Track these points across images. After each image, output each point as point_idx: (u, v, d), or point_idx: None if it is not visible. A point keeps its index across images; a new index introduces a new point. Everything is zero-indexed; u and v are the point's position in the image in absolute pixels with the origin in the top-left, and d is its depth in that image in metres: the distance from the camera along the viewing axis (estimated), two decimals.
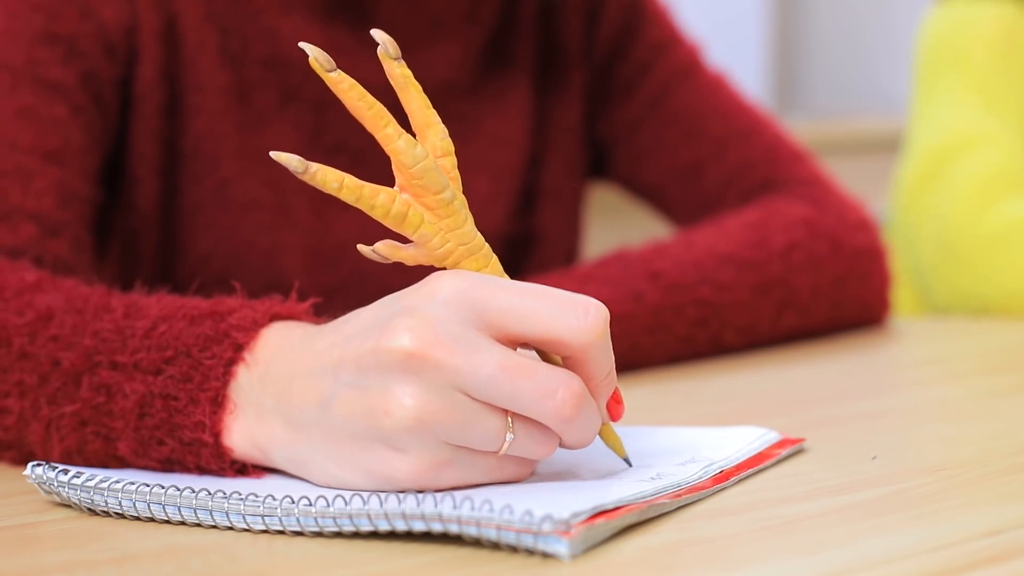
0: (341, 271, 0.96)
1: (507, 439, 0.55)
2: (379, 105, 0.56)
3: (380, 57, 0.56)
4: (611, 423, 0.61)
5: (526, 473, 0.58)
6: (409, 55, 0.94)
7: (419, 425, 0.54)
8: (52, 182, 0.84)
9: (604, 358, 0.57)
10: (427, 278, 0.57)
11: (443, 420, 0.54)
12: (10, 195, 0.82)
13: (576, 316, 0.55)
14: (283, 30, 0.94)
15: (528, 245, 1.06)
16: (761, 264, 0.96)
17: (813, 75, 3.10)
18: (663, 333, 0.91)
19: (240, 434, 0.60)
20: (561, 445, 0.58)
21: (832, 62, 3.07)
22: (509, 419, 0.55)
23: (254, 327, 0.61)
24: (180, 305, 0.64)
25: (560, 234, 1.07)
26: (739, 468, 0.62)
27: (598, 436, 0.60)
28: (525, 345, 0.57)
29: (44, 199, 0.83)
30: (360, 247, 0.57)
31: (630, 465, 0.61)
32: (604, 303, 0.86)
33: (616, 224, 1.53)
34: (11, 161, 0.83)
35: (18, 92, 0.85)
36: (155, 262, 0.94)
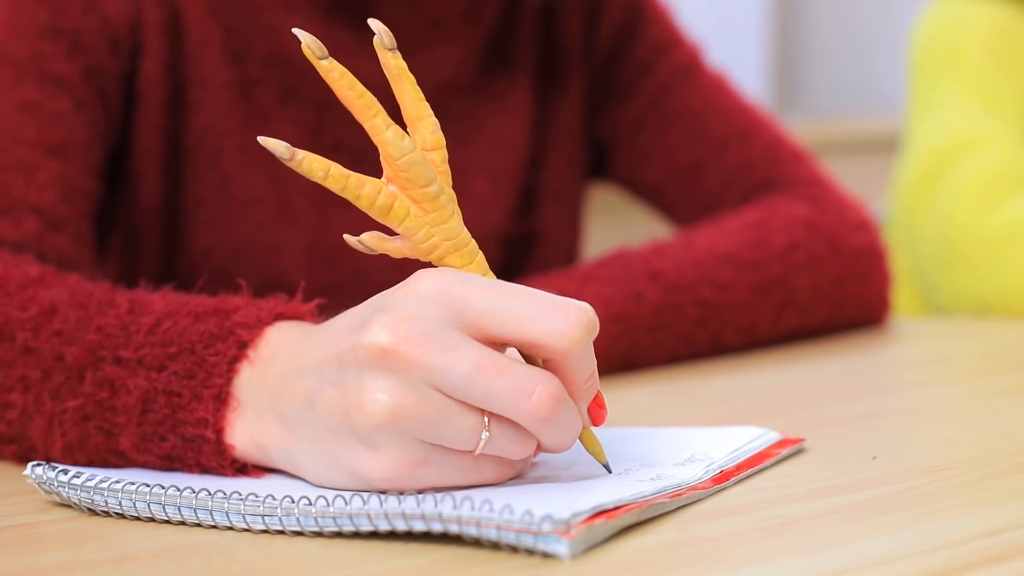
0: (341, 269, 0.96)
1: (483, 438, 0.55)
2: (369, 95, 0.56)
3: (376, 47, 0.56)
4: (592, 428, 0.60)
5: (506, 475, 0.58)
6: (410, 55, 0.94)
7: (393, 421, 0.54)
8: (55, 176, 0.84)
9: (585, 362, 0.56)
10: (411, 276, 0.56)
11: (417, 416, 0.54)
12: (13, 189, 0.82)
13: (556, 319, 0.55)
14: (284, 28, 0.94)
15: (528, 245, 1.06)
16: (761, 264, 0.96)
17: (813, 75, 3.10)
18: (663, 333, 0.91)
19: (242, 432, 0.60)
20: (541, 449, 0.57)
21: (832, 62, 3.07)
22: (485, 418, 0.55)
23: (259, 325, 0.61)
24: (185, 302, 0.64)
25: (560, 234, 1.07)
26: (739, 468, 0.62)
27: (579, 440, 0.60)
28: (508, 346, 0.57)
29: (47, 193, 0.83)
30: (346, 237, 0.57)
31: (610, 472, 0.60)
32: (605, 303, 0.87)
33: (616, 224, 1.53)
34: (14, 155, 0.83)
35: (22, 86, 0.85)
36: (157, 257, 0.94)
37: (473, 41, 1.01)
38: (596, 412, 0.58)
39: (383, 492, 0.55)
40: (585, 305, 0.56)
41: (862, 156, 2.30)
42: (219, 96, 0.93)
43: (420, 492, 0.55)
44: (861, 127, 2.60)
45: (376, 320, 0.55)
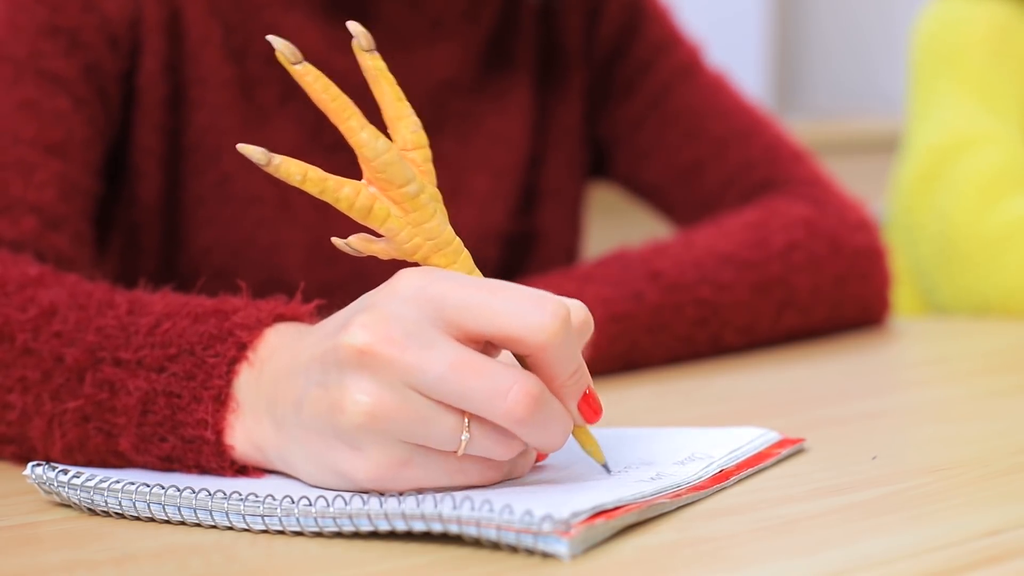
0: (341, 268, 0.96)
1: (463, 439, 0.55)
2: (344, 97, 0.56)
3: (353, 49, 0.56)
4: (588, 427, 0.59)
5: (493, 477, 0.57)
6: (410, 54, 0.94)
7: (372, 421, 0.54)
8: (54, 175, 0.84)
9: (566, 357, 0.55)
10: (393, 276, 0.56)
11: (396, 417, 0.54)
12: (11, 187, 0.82)
13: (533, 313, 0.54)
14: (284, 26, 0.94)
15: (529, 244, 1.06)
16: (761, 264, 0.96)
17: (813, 75, 3.10)
18: (663, 333, 0.91)
19: (241, 433, 0.60)
20: (536, 449, 0.57)
21: (832, 62, 3.07)
22: (465, 419, 0.54)
23: (258, 326, 0.61)
24: (184, 303, 0.64)
25: (561, 234, 1.07)
26: (739, 468, 0.62)
27: (576, 440, 0.59)
28: (489, 343, 0.56)
29: (46, 192, 0.83)
30: (334, 240, 0.57)
31: (608, 472, 0.59)
32: (604, 303, 0.87)
33: (616, 224, 1.53)
34: (13, 154, 0.83)
35: (21, 85, 0.85)
36: (157, 255, 0.94)
37: (473, 40, 1.01)
38: (587, 410, 0.57)
39: (379, 493, 0.55)
40: (567, 300, 0.55)
41: (862, 156, 2.30)
42: (219, 94, 0.93)
43: (415, 493, 0.55)
44: (861, 127, 2.60)
45: (355, 321, 0.55)
